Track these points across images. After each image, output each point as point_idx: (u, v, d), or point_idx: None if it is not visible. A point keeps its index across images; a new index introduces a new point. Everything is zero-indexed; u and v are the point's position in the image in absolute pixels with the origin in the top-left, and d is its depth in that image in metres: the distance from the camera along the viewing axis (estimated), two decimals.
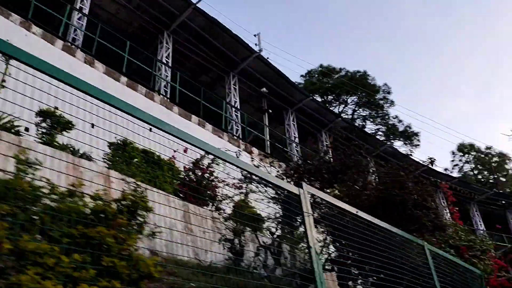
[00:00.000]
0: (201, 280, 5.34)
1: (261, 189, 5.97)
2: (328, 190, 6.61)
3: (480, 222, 27.86)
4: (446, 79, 78.28)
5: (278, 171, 6.94)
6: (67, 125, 7.87)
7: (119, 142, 8.49)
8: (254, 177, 4.50)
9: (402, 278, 5.43)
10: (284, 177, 6.69)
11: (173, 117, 14.91)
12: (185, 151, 6.69)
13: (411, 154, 34.69)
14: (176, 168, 9.24)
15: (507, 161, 44.63)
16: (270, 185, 3.97)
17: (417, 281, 5.74)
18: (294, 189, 3.72)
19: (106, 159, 8.31)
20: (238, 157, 7.48)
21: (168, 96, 16.17)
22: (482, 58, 76.29)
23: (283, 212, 5.24)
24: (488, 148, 46.38)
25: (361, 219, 4.75)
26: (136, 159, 8.64)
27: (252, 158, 7.02)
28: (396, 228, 5.31)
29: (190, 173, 9.20)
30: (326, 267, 7.09)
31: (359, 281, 6.23)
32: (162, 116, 15.01)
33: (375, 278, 5.70)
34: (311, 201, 4.98)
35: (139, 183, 2.96)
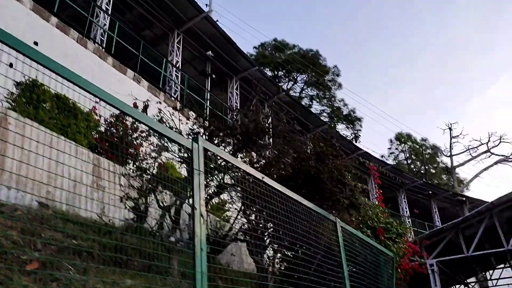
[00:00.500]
0: (91, 239, 4.84)
1: (172, 148, 5.47)
2: (240, 155, 6.21)
3: (406, 208, 29.02)
4: (395, 70, 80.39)
5: (191, 128, 6.41)
6: None
7: (28, 82, 7.56)
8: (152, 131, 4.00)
9: (313, 256, 5.18)
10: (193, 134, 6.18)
11: (106, 68, 13.89)
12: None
13: (335, 126, 35.04)
14: (94, 120, 8.45)
15: (439, 154, 46.69)
16: (156, 134, 3.45)
17: (329, 260, 5.55)
18: (185, 142, 3.22)
19: (9, 99, 7.41)
20: (147, 107, 6.92)
21: (104, 46, 15.05)
22: (431, 53, 78.73)
23: (187, 172, 4.79)
24: (424, 140, 48.28)
25: (269, 188, 4.37)
26: (47, 103, 7.80)
27: (160, 110, 6.43)
28: (308, 201, 4.99)
29: (111, 127, 8.48)
30: (239, 237, 6.78)
31: (271, 254, 5.95)
32: (93, 66, 13.96)
33: (292, 253, 5.43)
34: (221, 163, 4.55)
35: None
